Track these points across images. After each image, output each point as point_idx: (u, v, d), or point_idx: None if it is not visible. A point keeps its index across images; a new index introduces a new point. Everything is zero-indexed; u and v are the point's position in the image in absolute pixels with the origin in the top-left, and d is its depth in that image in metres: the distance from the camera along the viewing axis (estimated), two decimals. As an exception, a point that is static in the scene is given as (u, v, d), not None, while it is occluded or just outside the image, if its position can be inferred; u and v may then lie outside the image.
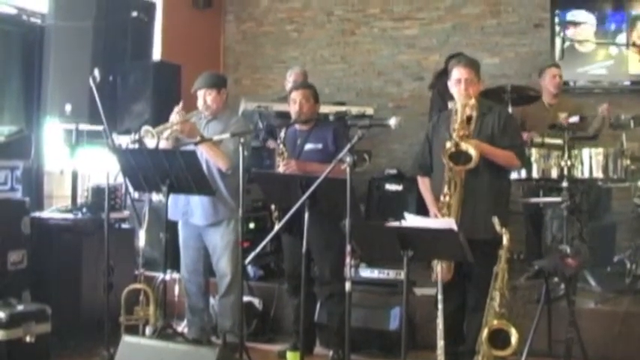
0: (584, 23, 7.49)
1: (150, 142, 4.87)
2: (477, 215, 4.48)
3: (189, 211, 5.18)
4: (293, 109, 5.21)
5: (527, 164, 5.63)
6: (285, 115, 6.61)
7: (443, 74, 6.82)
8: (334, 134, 5.10)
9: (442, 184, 4.54)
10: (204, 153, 4.98)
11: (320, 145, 5.10)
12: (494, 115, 4.68)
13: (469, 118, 4.56)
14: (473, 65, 4.71)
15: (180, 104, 5.08)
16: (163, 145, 4.99)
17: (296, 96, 5.21)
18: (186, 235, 5.30)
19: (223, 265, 5.18)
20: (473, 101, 4.56)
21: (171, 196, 4.96)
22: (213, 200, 5.07)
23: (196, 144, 4.90)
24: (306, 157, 5.09)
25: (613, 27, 7.40)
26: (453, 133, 4.50)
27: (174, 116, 5.00)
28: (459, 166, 4.42)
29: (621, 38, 7.38)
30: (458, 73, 4.67)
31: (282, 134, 5.21)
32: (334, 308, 5.02)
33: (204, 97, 5.18)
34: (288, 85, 7.10)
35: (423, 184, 4.90)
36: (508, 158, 4.63)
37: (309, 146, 5.15)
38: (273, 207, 5.31)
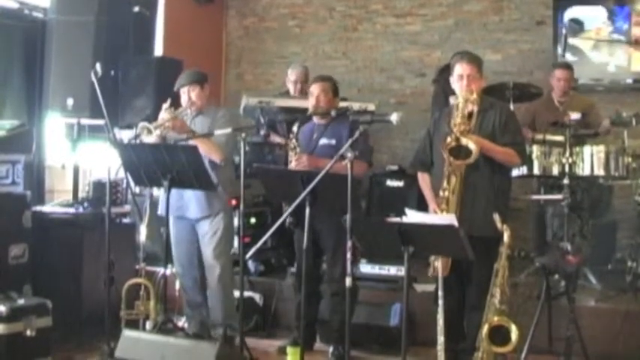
0: (586, 20, 7.47)
1: (146, 139, 4.89)
2: (476, 211, 4.48)
3: (184, 205, 5.18)
4: (310, 102, 5.18)
5: (528, 161, 5.63)
6: (287, 111, 6.62)
7: (446, 69, 6.81)
8: (350, 131, 4.97)
9: (442, 180, 4.55)
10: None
11: (333, 141, 5.02)
12: (495, 112, 4.68)
13: (470, 114, 4.57)
14: (475, 61, 4.72)
15: (169, 101, 5.11)
16: (153, 141, 5.00)
17: (314, 89, 5.18)
18: (179, 230, 5.28)
19: (209, 253, 5.18)
20: (474, 96, 4.57)
21: (163, 193, 4.98)
22: (207, 193, 5.08)
23: (187, 139, 4.92)
24: (320, 152, 5.02)
25: (615, 24, 7.38)
26: (454, 128, 4.50)
27: (165, 114, 5.02)
28: (458, 160, 4.43)
29: (623, 35, 7.36)
30: (460, 69, 4.67)
31: (295, 128, 5.15)
32: (339, 306, 4.99)
33: (189, 94, 5.22)
34: (290, 83, 7.09)
35: (423, 180, 4.91)
36: (508, 156, 4.63)
37: (323, 141, 5.10)
38: (283, 205, 5.28)
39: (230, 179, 5.13)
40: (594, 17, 7.44)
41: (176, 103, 5.20)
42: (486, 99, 4.78)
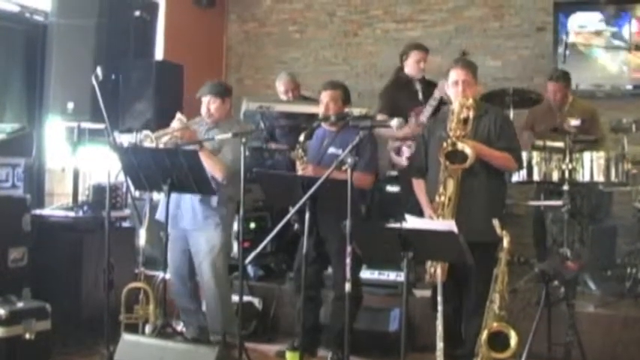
0: (586, 26, 7.48)
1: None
2: (472, 217, 4.47)
3: (178, 214, 5.16)
4: (320, 109, 5.15)
5: (528, 167, 5.65)
6: (287, 116, 6.63)
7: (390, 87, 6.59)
8: (359, 140, 4.94)
9: (437, 186, 4.55)
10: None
11: (341, 151, 4.87)
12: (490, 117, 4.68)
13: (466, 119, 4.57)
14: (470, 67, 4.72)
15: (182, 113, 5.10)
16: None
17: (324, 97, 5.12)
18: (173, 238, 5.22)
19: (205, 269, 5.14)
20: (470, 101, 4.56)
21: (162, 200, 4.97)
22: (203, 206, 5.07)
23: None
24: (328, 161, 4.89)
25: (616, 30, 7.39)
26: (450, 133, 4.52)
27: (176, 122, 5.01)
28: (455, 165, 4.43)
29: (624, 42, 7.37)
30: (455, 75, 4.67)
31: (302, 138, 5.07)
32: (341, 310, 4.97)
33: (209, 105, 5.18)
34: (281, 94, 7.10)
35: (418, 186, 4.90)
36: (505, 160, 4.64)
37: (331, 150, 5.04)
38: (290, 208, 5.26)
39: (231, 197, 5.06)
40: (595, 23, 7.45)
41: (181, 109, 5.19)
42: (482, 104, 4.79)
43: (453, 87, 4.69)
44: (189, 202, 5.10)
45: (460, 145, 4.43)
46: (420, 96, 6.23)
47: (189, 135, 5.02)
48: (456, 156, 4.44)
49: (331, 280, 5.23)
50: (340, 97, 5.14)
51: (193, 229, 5.15)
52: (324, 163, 4.96)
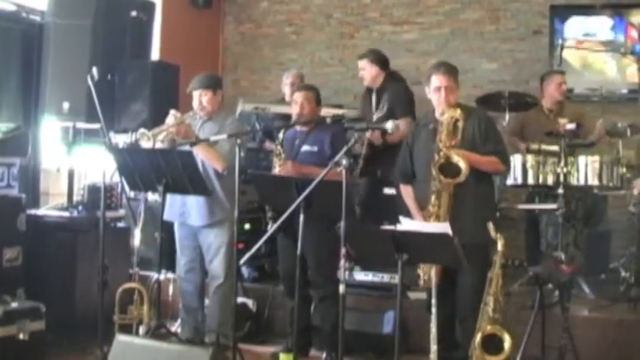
0: (582, 30, 7.50)
1: (146, 145, 4.89)
2: (462, 220, 4.42)
3: (186, 212, 5.19)
4: (294, 110, 5.23)
5: (523, 170, 5.66)
6: (282, 117, 6.63)
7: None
8: (332, 138, 5.08)
9: (428, 194, 4.51)
10: (199, 154, 4.98)
11: (315, 148, 5.11)
12: (474, 121, 4.63)
13: (455, 128, 4.54)
14: (452, 72, 4.67)
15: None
16: (159, 147, 5.00)
17: (298, 97, 5.23)
18: (183, 235, 5.31)
19: (216, 265, 5.18)
20: (459, 112, 4.52)
21: (168, 198, 4.98)
22: (209, 201, 5.08)
23: (192, 145, 4.91)
24: (302, 159, 5.10)
25: (611, 34, 7.41)
26: (440, 144, 4.47)
27: (170, 118, 5.01)
28: (448, 178, 4.41)
29: (619, 46, 7.38)
30: (437, 81, 4.62)
31: (281, 135, 5.20)
32: (327, 311, 5.01)
33: (200, 98, 5.19)
34: (285, 87, 7.12)
35: (406, 192, 4.88)
36: (493, 164, 4.63)
37: (305, 148, 5.16)
38: (267, 207, 5.33)
39: (234, 189, 5.12)
40: (590, 27, 7.47)
41: (177, 108, 5.19)
42: (464, 107, 4.71)
43: (435, 93, 4.63)
44: (194, 199, 5.10)
45: (455, 159, 4.40)
46: (373, 105, 6.40)
47: (185, 130, 5.01)
48: (449, 167, 4.42)
49: None
50: (313, 98, 5.26)
51: (201, 225, 5.18)
52: (299, 160, 5.12)
